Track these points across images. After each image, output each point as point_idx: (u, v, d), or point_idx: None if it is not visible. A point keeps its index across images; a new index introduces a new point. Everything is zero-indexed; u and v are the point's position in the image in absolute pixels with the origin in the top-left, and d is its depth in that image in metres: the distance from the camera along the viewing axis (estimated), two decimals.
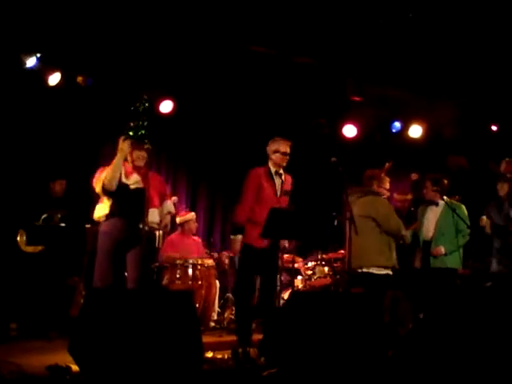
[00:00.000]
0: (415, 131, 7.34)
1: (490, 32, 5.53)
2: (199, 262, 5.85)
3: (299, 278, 6.42)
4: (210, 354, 4.07)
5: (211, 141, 7.12)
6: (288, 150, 4.64)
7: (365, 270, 4.45)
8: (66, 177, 5.63)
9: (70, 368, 3.32)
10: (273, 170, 4.66)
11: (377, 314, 3.69)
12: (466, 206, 5.19)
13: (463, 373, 3.12)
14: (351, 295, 4.19)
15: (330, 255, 6.42)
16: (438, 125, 7.22)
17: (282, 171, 4.70)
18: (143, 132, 4.39)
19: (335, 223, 5.61)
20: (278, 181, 4.67)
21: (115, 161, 4.31)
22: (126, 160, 4.42)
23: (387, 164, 5.06)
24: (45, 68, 5.67)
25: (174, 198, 5.77)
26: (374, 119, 7.32)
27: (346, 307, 3.57)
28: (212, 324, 5.86)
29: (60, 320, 4.88)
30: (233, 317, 5.95)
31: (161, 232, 5.18)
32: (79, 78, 5.89)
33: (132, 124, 4.38)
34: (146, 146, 4.47)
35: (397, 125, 7.38)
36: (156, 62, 5.88)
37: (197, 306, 5.34)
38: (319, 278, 6.31)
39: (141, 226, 4.33)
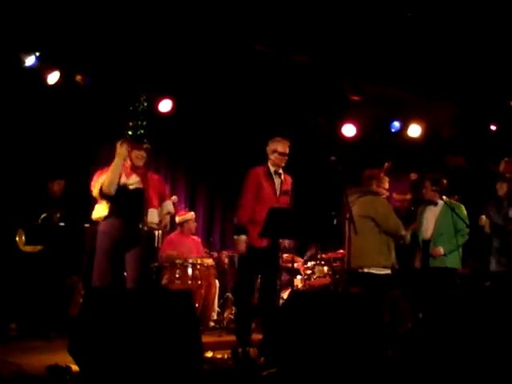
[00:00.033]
0: (414, 131, 7.35)
1: (489, 31, 5.53)
2: (199, 261, 5.84)
3: (299, 277, 6.42)
4: (209, 354, 4.07)
5: (210, 140, 7.12)
6: (287, 151, 4.64)
7: (365, 270, 4.46)
8: (64, 176, 5.62)
9: (70, 368, 3.32)
10: (272, 169, 4.67)
11: (376, 314, 3.69)
12: (465, 205, 5.19)
13: (462, 372, 3.12)
14: (350, 295, 4.19)
15: (330, 255, 6.42)
16: (436, 124, 7.23)
17: (281, 171, 4.70)
18: (142, 132, 4.39)
19: (334, 223, 5.62)
20: (277, 180, 4.67)
21: (113, 165, 4.30)
22: (124, 160, 4.42)
23: (386, 164, 5.07)
24: (44, 67, 5.66)
25: (174, 198, 5.76)
26: (373, 119, 7.33)
27: (345, 307, 3.58)
28: (212, 324, 5.86)
29: (59, 320, 4.87)
30: (232, 316, 5.95)
31: (160, 231, 5.19)
32: (78, 77, 5.89)
33: (131, 124, 4.38)
34: (144, 146, 4.47)
35: (396, 124, 7.38)
36: (155, 61, 5.88)
37: (196, 305, 5.34)
38: (319, 277, 6.31)
39: (140, 226, 4.32)
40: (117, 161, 4.32)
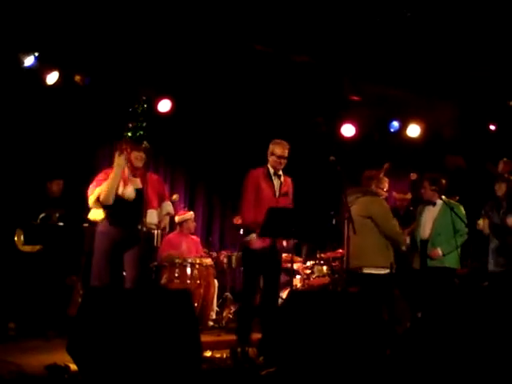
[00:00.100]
0: (413, 130, 7.35)
1: (489, 32, 5.54)
2: (198, 261, 5.84)
3: (298, 277, 6.42)
4: (208, 354, 4.07)
5: (210, 140, 7.12)
6: (285, 154, 4.63)
7: (364, 270, 4.46)
8: (63, 177, 5.62)
9: (69, 367, 3.33)
10: (271, 171, 4.67)
11: (375, 313, 3.69)
12: (464, 205, 5.19)
13: (461, 371, 3.12)
14: (349, 294, 4.19)
15: (329, 254, 6.43)
16: (436, 124, 7.23)
17: (281, 172, 4.71)
18: (141, 133, 4.39)
19: (333, 222, 5.62)
20: (276, 182, 4.67)
21: (112, 177, 4.29)
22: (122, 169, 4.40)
23: (386, 165, 5.07)
24: (43, 67, 5.67)
25: (176, 196, 5.77)
26: (372, 118, 7.33)
27: (344, 306, 3.58)
28: (210, 323, 5.86)
29: (58, 319, 4.87)
30: (231, 316, 5.96)
31: (159, 231, 5.18)
32: (77, 77, 5.89)
33: (130, 125, 4.38)
34: (143, 146, 4.46)
35: (395, 124, 7.39)
36: (154, 60, 5.88)
37: (195, 305, 5.33)
38: (318, 277, 6.32)
39: (139, 227, 4.32)
40: (115, 172, 4.30)
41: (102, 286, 4.27)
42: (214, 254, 6.44)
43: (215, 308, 6.06)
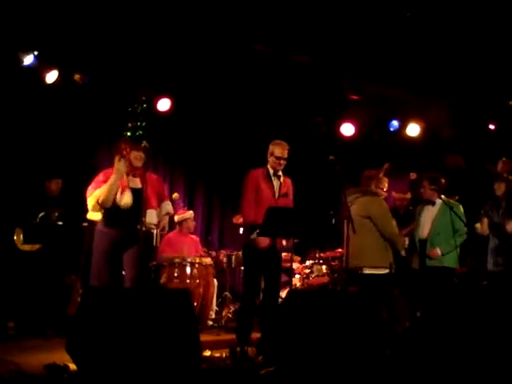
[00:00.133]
0: (413, 130, 7.36)
1: (488, 31, 5.54)
2: (197, 260, 5.84)
3: (297, 276, 6.42)
4: (207, 353, 4.08)
5: (209, 139, 7.11)
6: (284, 155, 4.63)
7: (363, 270, 4.46)
8: (62, 176, 5.62)
9: (68, 367, 3.33)
10: (271, 171, 4.67)
11: (374, 313, 3.70)
12: (464, 205, 5.20)
13: (460, 371, 3.12)
14: (349, 294, 4.20)
15: (328, 254, 6.44)
16: (435, 124, 7.23)
17: (280, 173, 4.70)
18: (141, 132, 4.38)
19: (333, 222, 5.62)
20: (276, 182, 4.67)
21: (110, 182, 4.28)
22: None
23: (386, 165, 5.07)
24: (42, 66, 5.66)
25: (176, 194, 5.77)
26: (371, 118, 7.33)
27: (343, 306, 3.58)
28: (210, 323, 5.86)
29: (57, 318, 4.88)
30: (231, 315, 5.96)
31: (158, 231, 5.18)
32: (76, 76, 5.88)
33: (130, 125, 4.38)
34: (143, 145, 4.46)
35: (394, 123, 7.39)
36: (153, 59, 5.87)
37: (195, 304, 5.34)
38: (317, 276, 6.32)
39: (138, 227, 4.32)
40: (114, 178, 4.29)
41: (102, 285, 4.27)
42: (214, 254, 6.44)
43: (214, 307, 6.06)
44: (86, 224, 5.10)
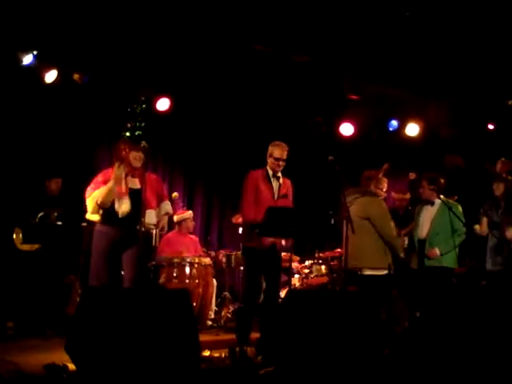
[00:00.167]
0: (412, 130, 7.36)
1: (487, 31, 5.54)
2: (196, 260, 5.84)
3: (296, 276, 6.42)
4: (207, 353, 4.07)
5: (208, 139, 7.11)
6: (283, 156, 4.62)
7: (363, 272, 4.46)
8: (62, 175, 5.62)
9: (67, 367, 3.33)
10: (270, 172, 4.67)
11: (373, 313, 3.70)
12: (462, 205, 5.20)
13: (459, 371, 3.13)
14: (348, 294, 4.20)
15: (327, 254, 6.43)
16: (434, 124, 7.23)
17: (280, 174, 4.70)
18: (140, 133, 4.39)
19: (332, 222, 5.62)
20: (275, 184, 4.67)
21: (109, 186, 4.29)
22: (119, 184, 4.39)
23: (385, 165, 5.07)
24: (41, 65, 5.65)
25: (175, 194, 5.77)
26: (370, 118, 7.33)
27: (342, 306, 3.58)
28: (209, 323, 5.86)
29: (57, 318, 4.87)
30: (230, 315, 5.96)
31: (158, 231, 5.19)
32: (76, 76, 5.88)
33: (129, 125, 4.38)
34: (142, 145, 4.46)
35: (394, 123, 7.39)
36: (153, 59, 5.87)
37: (194, 304, 5.33)
38: (316, 276, 6.32)
39: (137, 227, 4.32)
40: (113, 183, 4.30)
41: (101, 285, 4.27)
42: (213, 254, 6.44)
43: (214, 307, 6.06)
44: (85, 224, 5.11)
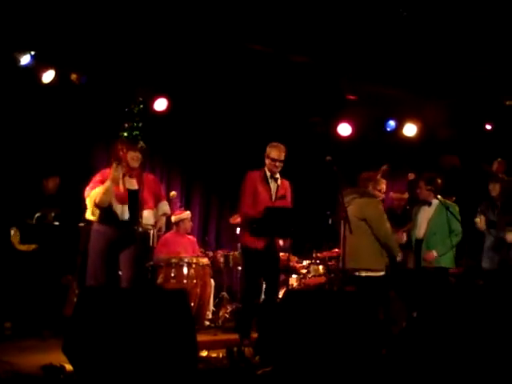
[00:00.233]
0: (409, 130, 7.37)
1: (485, 31, 5.55)
2: (194, 260, 5.84)
3: (294, 276, 6.42)
4: (204, 353, 4.07)
5: (206, 139, 7.11)
6: (281, 157, 4.63)
7: (360, 273, 4.46)
8: (59, 175, 5.61)
9: (64, 367, 3.33)
10: (268, 174, 4.67)
11: (371, 313, 3.70)
12: (459, 205, 5.21)
13: (457, 370, 3.13)
14: (345, 294, 4.20)
15: (325, 254, 6.44)
16: (432, 124, 7.24)
17: (278, 175, 4.70)
18: (137, 133, 4.39)
19: (329, 222, 5.63)
20: (273, 185, 4.67)
21: (106, 186, 4.29)
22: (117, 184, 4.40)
23: (384, 167, 5.08)
24: (39, 65, 5.65)
25: (173, 193, 5.77)
26: (368, 118, 7.34)
27: (340, 306, 3.59)
28: (207, 323, 5.86)
29: (54, 319, 4.87)
30: (228, 315, 5.96)
31: (155, 231, 5.19)
32: (73, 76, 5.87)
33: (126, 125, 4.38)
34: (140, 146, 4.46)
35: (391, 123, 7.40)
36: (151, 59, 5.87)
37: (192, 304, 5.33)
38: (314, 276, 6.32)
39: (135, 227, 4.32)
40: (110, 184, 4.30)
41: (98, 285, 4.26)
42: (211, 254, 6.44)
43: (211, 308, 6.06)
44: (82, 224, 5.10)
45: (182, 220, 6.26)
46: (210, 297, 5.98)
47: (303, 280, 6.34)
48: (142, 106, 4.46)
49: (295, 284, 6.34)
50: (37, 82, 5.70)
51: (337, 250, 6.03)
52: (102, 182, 4.36)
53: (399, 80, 6.53)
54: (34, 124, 5.89)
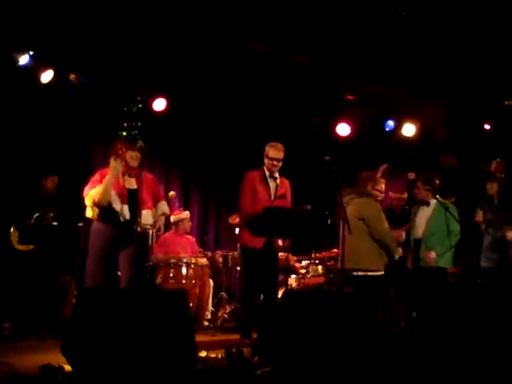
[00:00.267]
0: (408, 130, 7.37)
1: (484, 31, 5.55)
2: (193, 260, 5.84)
3: (293, 276, 6.42)
4: (203, 354, 4.06)
5: (205, 139, 7.10)
6: (279, 156, 4.64)
7: (359, 273, 4.46)
8: (58, 174, 5.60)
9: (63, 368, 3.32)
10: (267, 173, 4.67)
11: (370, 313, 3.70)
12: (457, 205, 5.21)
13: (456, 370, 3.13)
14: (344, 294, 4.20)
15: (324, 254, 6.43)
16: (431, 124, 7.24)
17: (277, 175, 4.70)
18: (136, 132, 4.39)
19: (328, 222, 5.62)
20: (272, 184, 4.68)
21: (106, 180, 4.29)
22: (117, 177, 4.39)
23: (383, 166, 5.08)
24: (37, 65, 5.65)
25: (172, 193, 5.77)
26: (367, 118, 7.34)
27: (339, 306, 3.58)
28: (206, 323, 5.86)
29: (52, 319, 4.86)
30: (227, 316, 5.96)
31: (154, 231, 5.19)
32: (72, 76, 5.87)
33: (125, 125, 4.38)
34: (139, 145, 4.46)
35: (390, 123, 7.40)
36: (149, 59, 5.86)
37: (190, 305, 5.33)
38: (313, 276, 6.32)
39: (134, 227, 4.32)
40: (110, 177, 4.30)
41: (97, 286, 4.26)
42: (210, 254, 6.43)
43: (210, 308, 6.06)
44: (81, 224, 5.10)
45: (181, 220, 6.26)
46: (208, 297, 5.98)
47: (302, 280, 6.33)
48: (140, 106, 4.46)
49: (294, 284, 6.33)
50: (35, 82, 5.70)
51: (336, 250, 6.03)
52: (101, 181, 4.36)
53: (398, 80, 6.53)
54: (33, 124, 5.89)
